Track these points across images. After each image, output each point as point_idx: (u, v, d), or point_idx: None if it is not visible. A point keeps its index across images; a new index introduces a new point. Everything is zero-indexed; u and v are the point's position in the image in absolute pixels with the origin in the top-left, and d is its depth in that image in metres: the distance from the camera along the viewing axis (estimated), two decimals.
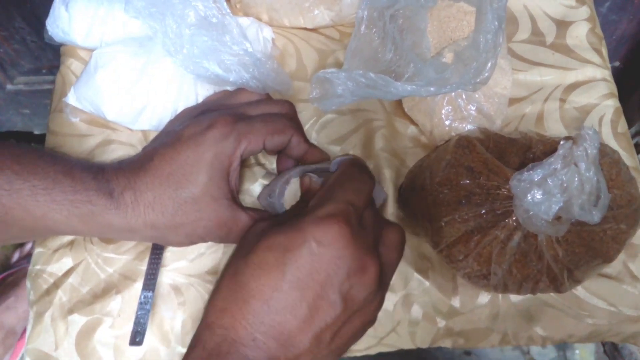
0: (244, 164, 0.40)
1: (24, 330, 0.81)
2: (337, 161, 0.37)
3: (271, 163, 0.43)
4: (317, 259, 0.29)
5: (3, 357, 0.81)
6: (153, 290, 0.39)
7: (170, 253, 0.41)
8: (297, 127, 0.38)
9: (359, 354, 0.41)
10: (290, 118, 0.38)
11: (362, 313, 0.30)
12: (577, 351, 1.00)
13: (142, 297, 0.39)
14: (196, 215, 0.34)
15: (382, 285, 0.31)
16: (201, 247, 0.41)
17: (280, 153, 0.40)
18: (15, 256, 0.95)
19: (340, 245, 0.29)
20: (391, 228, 0.33)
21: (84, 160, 0.41)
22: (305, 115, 0.44)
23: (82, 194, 0.32)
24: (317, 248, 0.29)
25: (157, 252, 0.40)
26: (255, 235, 0.32)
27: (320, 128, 0.44)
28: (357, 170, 0.34)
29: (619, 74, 0.86)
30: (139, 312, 0.38)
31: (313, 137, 0.44)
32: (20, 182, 0.32)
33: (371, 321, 0.32)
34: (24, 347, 0.40)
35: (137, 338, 0.38)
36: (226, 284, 0.30)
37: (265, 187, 0.40)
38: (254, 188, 0.43)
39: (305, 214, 0.30)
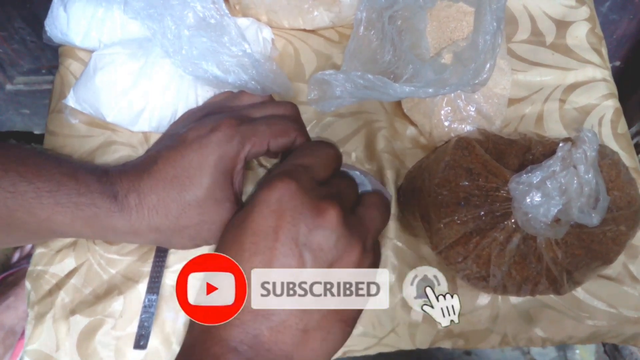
0: (247, 166, 0.40)
1: (24, 330, 0.81)
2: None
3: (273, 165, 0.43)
4: (269, 219, 0.28)
5: (3, 357, 0.81)
6: (157, 293, 0.39)
7: (173, 254, 0.41)
8: (301, 128, 0.38)
9: (358, 354, 0.41)
10: (293, 120, 0.38)
11: (342, 264, 0.29)
12: (577, 351, 1.00)
13: (147, 300, 0.39)
14: (200, 218, 0.34)
15: (360, 236, 0.30)
16: (204, 248, 0.41)
17: (283, 154, 0.40)
18: (16, 256, 0.95)
19: (286, 198, 0.29)
20: (371, 192, 0.34)
21: (88, 162, 0.41)
22: (306, 117, 0.44)
23: (86, 196, 0.32)
24: (266, 209, 0.29)
25: (161, 255, 0.40)
26: None
27: (321, 130, 0.44)
28: (312, 143, 0.35)
29: (619, 73, 0.86)
30: (143, 316, 0.38)
31: (314, 139, 0.44)
32: (24, 185, 0.31)
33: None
34: (23, 348, 0.40)
35: (141, 342, 0.38)
36: None
37: None
38: None
39: None
